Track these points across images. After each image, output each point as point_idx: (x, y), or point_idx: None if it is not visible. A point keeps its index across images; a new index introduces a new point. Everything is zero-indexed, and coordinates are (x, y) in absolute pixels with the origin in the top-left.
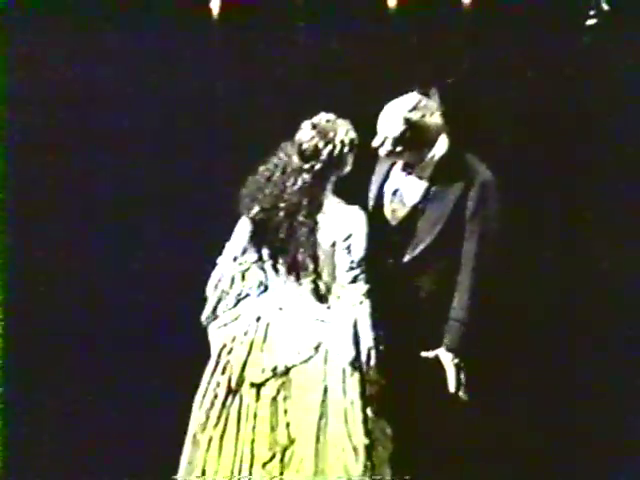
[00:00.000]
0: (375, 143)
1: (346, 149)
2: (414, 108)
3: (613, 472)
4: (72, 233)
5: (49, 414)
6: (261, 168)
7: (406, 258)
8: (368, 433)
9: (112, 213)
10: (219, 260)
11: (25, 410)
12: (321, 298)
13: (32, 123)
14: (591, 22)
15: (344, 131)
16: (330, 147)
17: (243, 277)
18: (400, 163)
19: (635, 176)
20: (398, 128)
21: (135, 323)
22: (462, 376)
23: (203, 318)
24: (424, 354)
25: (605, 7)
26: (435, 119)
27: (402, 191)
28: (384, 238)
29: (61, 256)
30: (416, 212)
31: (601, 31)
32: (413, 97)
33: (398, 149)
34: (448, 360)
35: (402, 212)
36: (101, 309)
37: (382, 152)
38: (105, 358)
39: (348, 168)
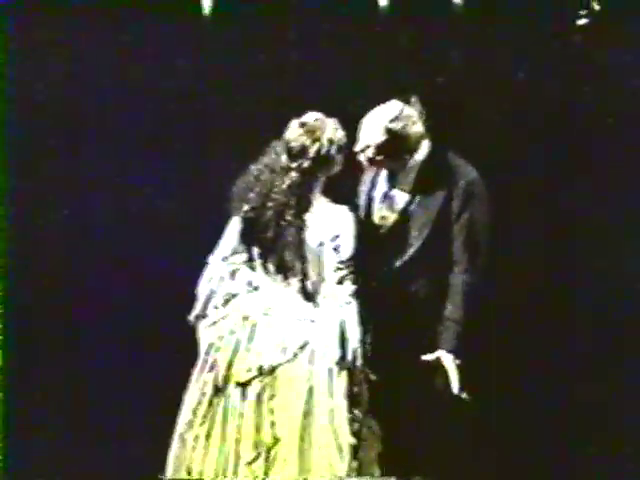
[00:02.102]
0: (357, 148)
1: (334, 148)
2: (396, 118)
3: (613, 472)
4: (70, 231)
5: (44, 413)
6: (251, 167)
7: (397, 263)
8: (354, 433)
9: (108, 213)
10: (210, 259)
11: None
12: (309, 298)
13: (32, 123)
14: (582, 22)
15: (332, 130)
16: (318, 145)
17: (232, 277)
18: (385, 172)
19: (626, 173)
20: (379, 138)
21: (128, 322)
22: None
23: (192, 317)
24: (425, 357)
25: (596, 7)
26: (417, 127)
27: (389, 198)
28: (375, 245)
29: (57, 251)
30: (404, 218)
31: (592, 31)
32: (395, 106)
33: (379, 158)
34: (450, 361)
35: (391, 219)
36: (94, 308)
37: (363, 160)
38: (96, 357)
39: (337, 168)
